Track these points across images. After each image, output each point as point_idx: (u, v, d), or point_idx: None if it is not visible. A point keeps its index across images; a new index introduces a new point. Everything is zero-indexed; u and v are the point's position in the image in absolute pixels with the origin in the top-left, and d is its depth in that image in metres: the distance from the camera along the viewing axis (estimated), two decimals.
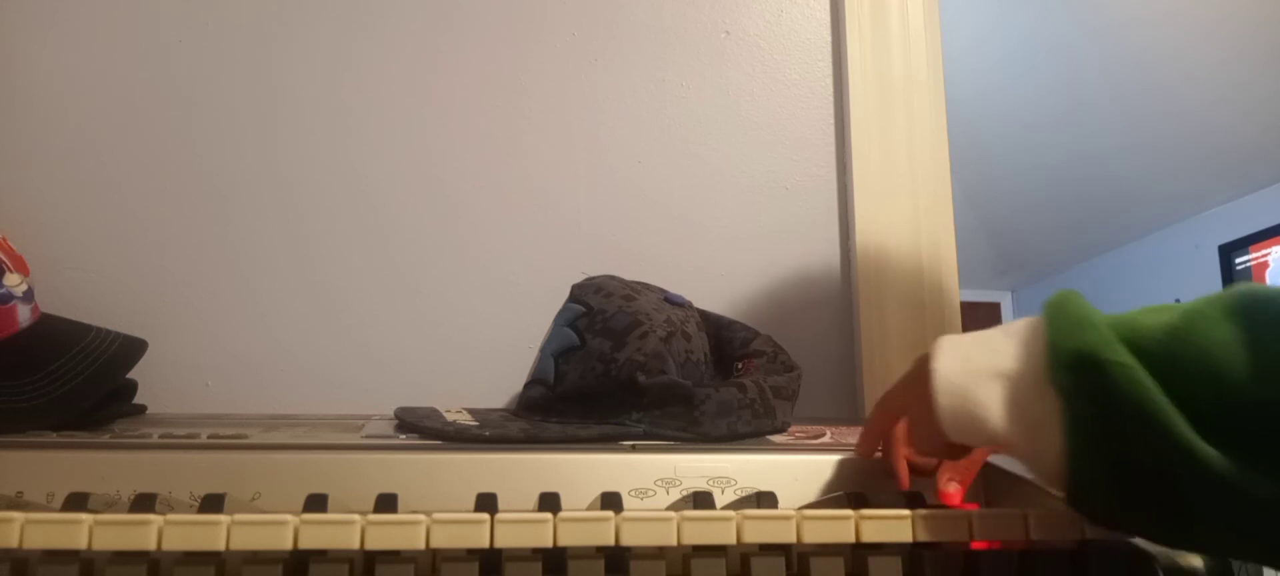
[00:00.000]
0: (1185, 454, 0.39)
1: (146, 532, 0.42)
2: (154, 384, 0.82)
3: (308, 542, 0.43)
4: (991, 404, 0.46)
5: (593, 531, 0.45)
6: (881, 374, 0.98)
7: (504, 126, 1.00)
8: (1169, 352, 0.41)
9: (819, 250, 1.04)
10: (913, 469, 0.56)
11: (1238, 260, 3.47)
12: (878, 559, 0.47)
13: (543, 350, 0.71)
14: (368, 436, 0.61)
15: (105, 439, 0.60)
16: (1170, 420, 0.39)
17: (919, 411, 0.50)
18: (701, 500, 0.53)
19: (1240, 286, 0.43)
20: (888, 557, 0.47)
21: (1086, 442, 0.42)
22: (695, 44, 1.06)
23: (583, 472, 0.54)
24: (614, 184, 1.01)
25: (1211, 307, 0.42)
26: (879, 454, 0.57)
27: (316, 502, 0.49)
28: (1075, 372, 0.42)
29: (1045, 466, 0.45)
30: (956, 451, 0.50)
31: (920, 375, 0.51)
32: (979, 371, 0.47)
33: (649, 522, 0.46)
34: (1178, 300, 0.45)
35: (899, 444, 0.56)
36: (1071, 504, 0.45)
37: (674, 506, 0.54)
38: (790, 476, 0.56)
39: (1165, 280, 3.76)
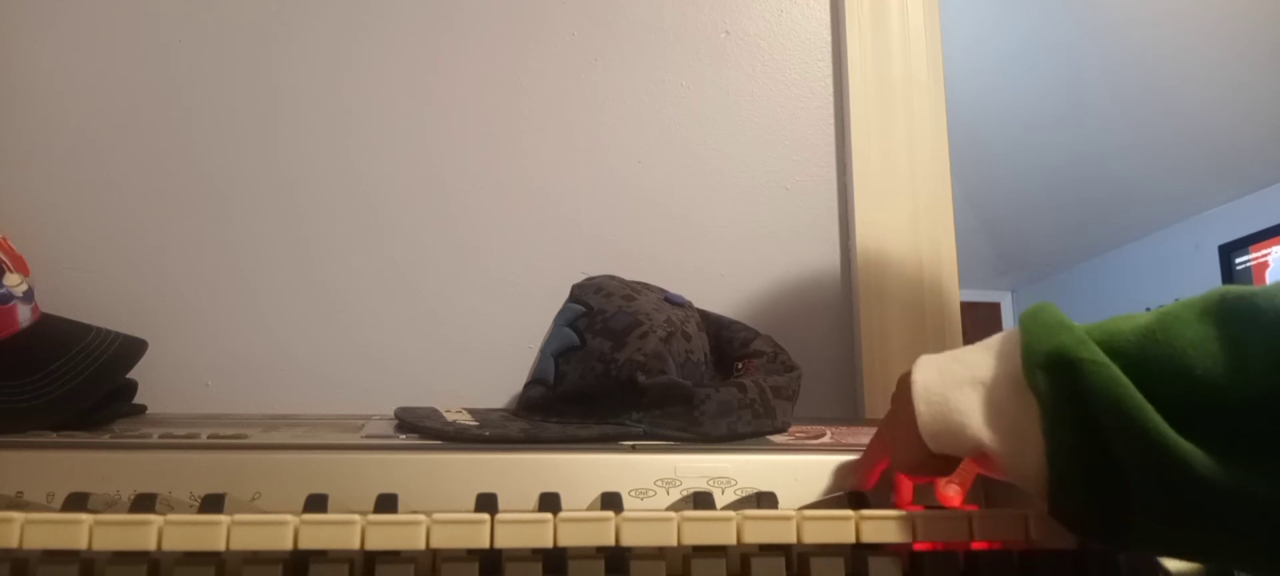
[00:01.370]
0: (1160, 449, 0.39)
1: (146, 532, 0.42)
2: (154, 384, 0.82)
3: (308, 542, 0.43)
4: (970, 409, 0.46)
5: (593, 531, 0.45)
6: (881, 374, 0.98)
7: (504, 126, 1.00)
8: (1144, 353, 0.41)
9: (819, 250, 1.04)
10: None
11: (1238, 260, 3.46)
12: (878, 559, 0.47)
13: (543, 350, 0.71)
14: (368, 436, 0.61)
15: (105, 439, 0.60)
16: (1145, 416, 0.39)
17: (901, 428, 0.50)
18: (701, 500, 0.53)
19: (1215, 289, 0.43)
20: (888, 557, 0.47)
21: (1065, 442, 0.42)
22: (695, 44, 1.06)
23: (583, 472, 0.54)
24: (614, 184, 1.01)
25: (1186, 309, 0.43)
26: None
27: (316, 502, 0.49)
28: (1051, 372, 0.43)
29: (1027, 471, 0.45)
30: (940, 465, 0.49)
31: (900, 394, 0.51)
32: (956, 380, 0.48)
33: (649, 523, 0.46)
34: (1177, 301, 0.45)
35: (906, 491, 0.56)
36: (1053, 512, 0.44)
37: (674, 506, 0.54)
38: (790, 476, 0.56)
39: (1165, 280, 3.76)
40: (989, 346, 0.49)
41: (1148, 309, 0.44)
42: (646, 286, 0.75)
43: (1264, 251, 3.37)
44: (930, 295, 1.01)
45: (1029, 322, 0.46)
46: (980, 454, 0.47)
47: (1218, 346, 0.40)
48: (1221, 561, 0.47)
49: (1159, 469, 0.39)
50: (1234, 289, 0.42)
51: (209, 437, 0.58)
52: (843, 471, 0.56)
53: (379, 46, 0.99)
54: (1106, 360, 0.41)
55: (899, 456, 0.52)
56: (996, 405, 0.46)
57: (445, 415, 0.67)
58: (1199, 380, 0.40)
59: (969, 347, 0.50)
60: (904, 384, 0.51)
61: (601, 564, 0.45)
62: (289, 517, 0.43)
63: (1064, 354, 0.42)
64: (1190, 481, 0.38)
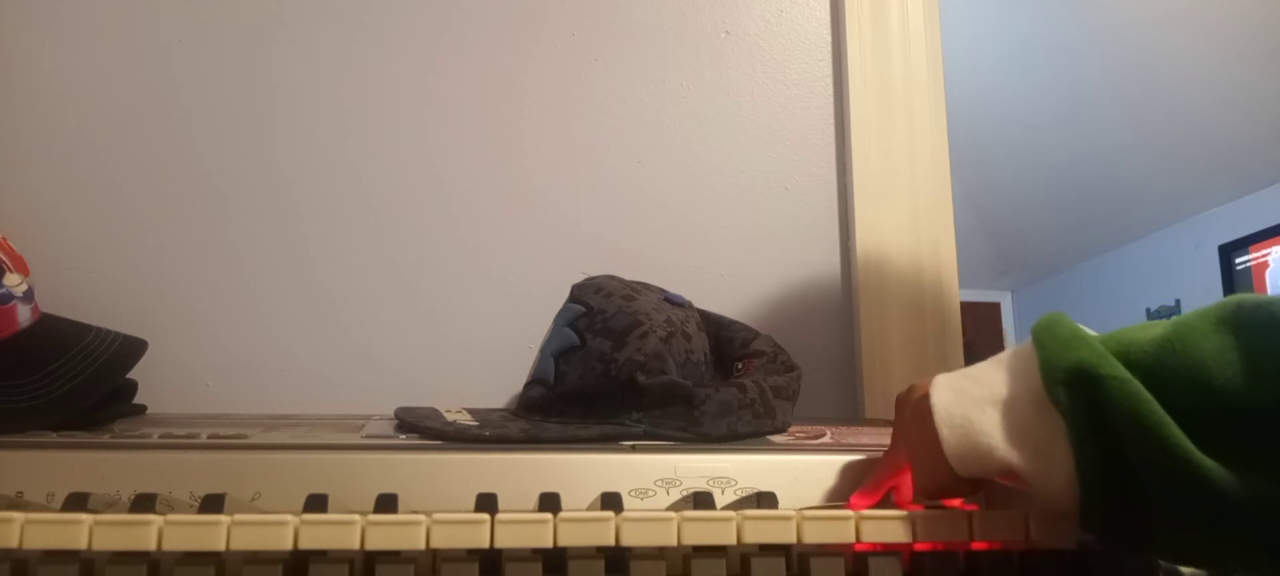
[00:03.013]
0: (1182, 464, 0.39)
1: (146, 532, 0.42)
2: (154, 384, 0.82)
3: (308, 543, 0.43)
4: (992, 429, 0.46)
5: (593, 531, 0.45)
6: (881, 373, 0.98)
7: (504, 126, 1.00)
8: (1161, 365, 0.41)
9: (819, 250, 1.04)
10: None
11: (1238, 260, 3.46)
12: (878, 559, 0.47)
13: (543, 350, 0.71)
14: (368, 436, 0.61)
15: (105, 439, 0.60)
16: (1167, 431, 0.39)
17: (922, 452, 0.49)
18: (701, 500, 0.53)
19: (1230, 298, 0.43)
20: (888, 557, 0.47)
21: (1092, 457, 0.42)
22: (695, 44, 1.06)
23: (583, 472, 0.54)
24: (614, 184, 1.01)
25: (1201, 320, 0.42)
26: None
27: (316, 502, 0.49)
28: (1072, 388, 0.42)
29: (1056, 487, 0.44)
30: (965, 487, 0.49)
31: (916, 418, 0.50)
32: (976, 399, 0.47)
33: (649, 523, 0.46)
34: (1178, 301, 0.45)
35: (906, 490, 0.55)
36: (1084, 525, 0.44)
37: (674, 506, 0.54)
38: (790, 476, 0.55)
39: (1165, 280, 3.75)
40: (1001, 363, 0.48)
41: (1149, 310, 0.44)
42: (646, 286, 0.75)
43: (1264, 251, 3.37)
44: (930, 295, 1.01)
45: (1044, 337, 0.45)
46: (1008, 473, 0.47)
47: (1235, 356, 0.40)
48: (1242, 569, 0.47)
49: (1179, 483, 0.39)
50: (1250, 298, 0.42)
51: (209, 437, 0.58)
52: (844, 471, 0.56)
53: (379, 46, 0.99)
54: (1127, 375, 0.41)
55: (924, 482, 0.50)
56: (1019, 423, 0.45)
57: (445, 415, 0.67)
58: (1217, 390, 0.40)
59: (980, 365, 0.49)
60: (909, 406, 0.51)
61: (601, 564, 0.45)
62: (289, 517, 0.43)
63: (1085, 369, 0.42)
64: (1210, 495, 0.38)
